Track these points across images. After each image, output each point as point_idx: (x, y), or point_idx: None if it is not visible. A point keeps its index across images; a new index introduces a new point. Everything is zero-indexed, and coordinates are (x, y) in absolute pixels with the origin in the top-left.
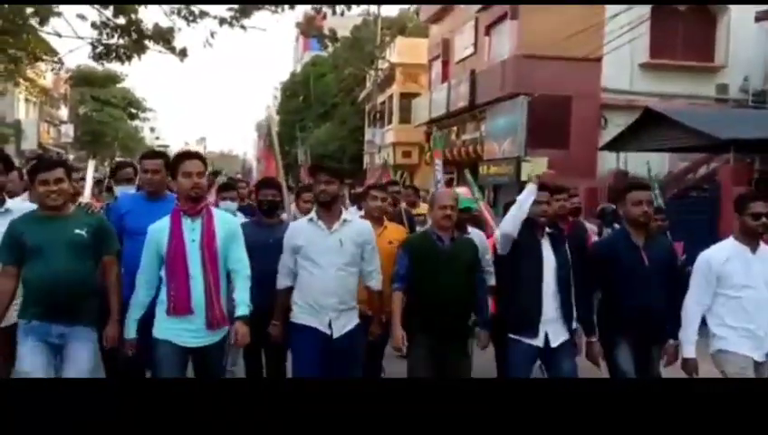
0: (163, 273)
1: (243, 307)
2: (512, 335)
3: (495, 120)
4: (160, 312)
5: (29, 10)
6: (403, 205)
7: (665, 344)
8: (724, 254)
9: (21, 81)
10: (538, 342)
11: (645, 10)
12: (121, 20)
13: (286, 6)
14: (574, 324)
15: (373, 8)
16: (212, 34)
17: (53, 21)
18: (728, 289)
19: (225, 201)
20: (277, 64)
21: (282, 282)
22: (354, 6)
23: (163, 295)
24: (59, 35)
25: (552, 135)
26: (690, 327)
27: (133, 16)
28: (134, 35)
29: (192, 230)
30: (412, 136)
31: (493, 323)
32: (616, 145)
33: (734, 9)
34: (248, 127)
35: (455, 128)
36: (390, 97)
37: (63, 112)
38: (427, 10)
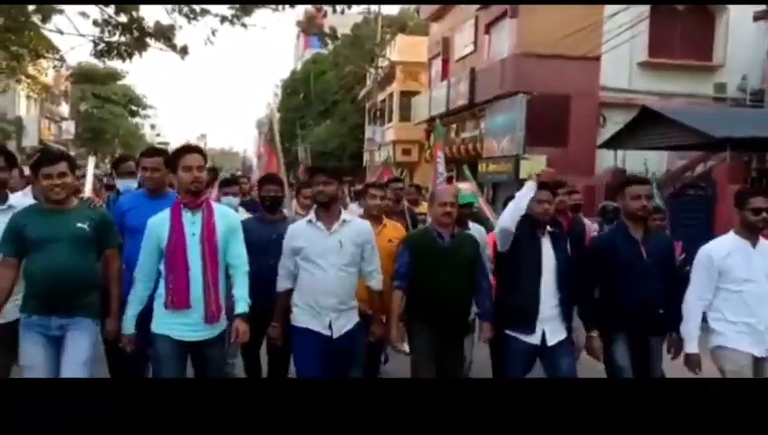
0: (162, 266)
1: (242, 304)
2: (508, 332)
3: (494, 118)
4: (158, 306)
5: (31, 7)
6: (405, 203)
7: (664, 338)
8: (725, 248)
9: (22, 77)
10: (534, 339)
11: (644, 9)
12: (123, 17)
13: (287, 5)
14: (576, 322)
15: (374, 6)
16: (213, 32)
17: (55, 18)
18: (729, 283)
19: (228, 196)
20: (278, 62)
21: (282, 284)
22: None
23: (161, 289)
24: (61, 33)
25: (550, 133)
26: (692, 322)
27: (134, 14)
28: (135, 33)
29: (192, 224)
30: (412, 134)
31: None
32: (614, 143)
33: (733, 8)
34: (249, 124)
35: (454, 125)
36: (390, 95)
37: (64, 109)
38: (428, 8)
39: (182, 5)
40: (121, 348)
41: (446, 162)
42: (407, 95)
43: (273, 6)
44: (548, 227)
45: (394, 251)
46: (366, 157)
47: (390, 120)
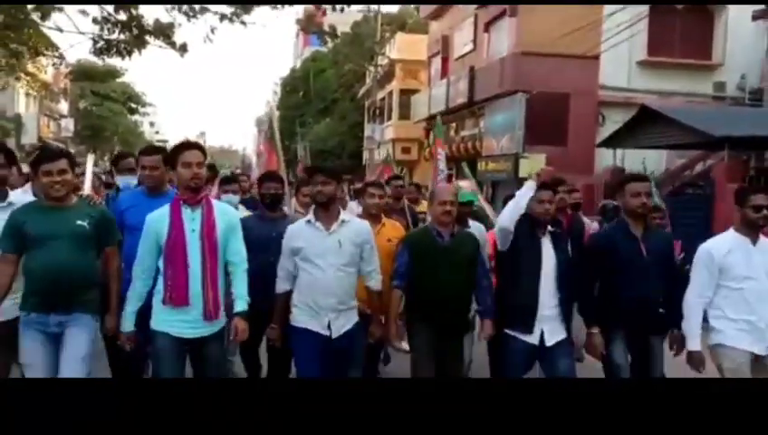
0: (160, 263)
1: (241, 302)
2: (506, 331)
3: (494, 117)
4: (157, 302)
5: (31, 5)
6: (406, 201)
7: (665, 337)
8: (725, 245)
9: (22, 75)
10: (533, 339)
11: (643, 8)
12: (122, 15)
13: (286, 3)
14: (576, 321)
15: (373, 5)
16: (212, 30)
17: (55, 16)
18: (730, 281)
19: (228, 194)
20: (277, 60)
21: (281, 286)
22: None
23: (160, 285)
24: (60, 30)
25: (549, 132)
26: (693, 320)
27: (134, 12)
28: (135, 30)
29: (192, 220)
30: (411, 132)
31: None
32: (613, 142)
33: (732, 8)
34: (248, 122)
35: (453, 124)
36: (390, 93)
37: (63, 107)
38: (427, 7)
39: (181, 4)
40: (121, 346)
41: (446, 160)
42: (406, 93)
43: (272, 4)
44: (549, 227)
45: (393, 250)
46: (365, 155)
47: (390, 118)
